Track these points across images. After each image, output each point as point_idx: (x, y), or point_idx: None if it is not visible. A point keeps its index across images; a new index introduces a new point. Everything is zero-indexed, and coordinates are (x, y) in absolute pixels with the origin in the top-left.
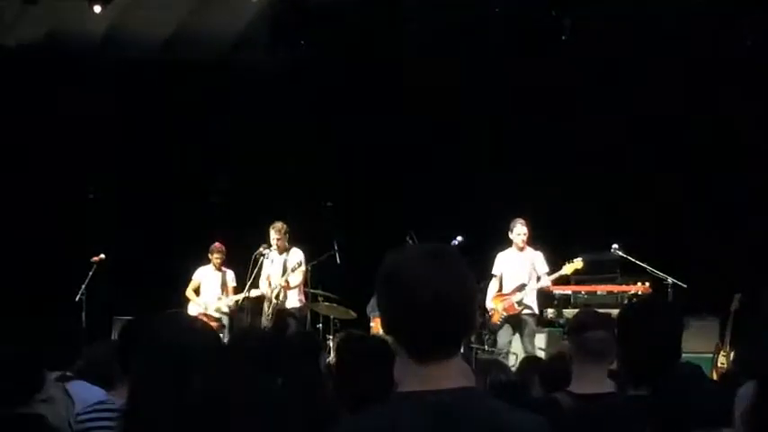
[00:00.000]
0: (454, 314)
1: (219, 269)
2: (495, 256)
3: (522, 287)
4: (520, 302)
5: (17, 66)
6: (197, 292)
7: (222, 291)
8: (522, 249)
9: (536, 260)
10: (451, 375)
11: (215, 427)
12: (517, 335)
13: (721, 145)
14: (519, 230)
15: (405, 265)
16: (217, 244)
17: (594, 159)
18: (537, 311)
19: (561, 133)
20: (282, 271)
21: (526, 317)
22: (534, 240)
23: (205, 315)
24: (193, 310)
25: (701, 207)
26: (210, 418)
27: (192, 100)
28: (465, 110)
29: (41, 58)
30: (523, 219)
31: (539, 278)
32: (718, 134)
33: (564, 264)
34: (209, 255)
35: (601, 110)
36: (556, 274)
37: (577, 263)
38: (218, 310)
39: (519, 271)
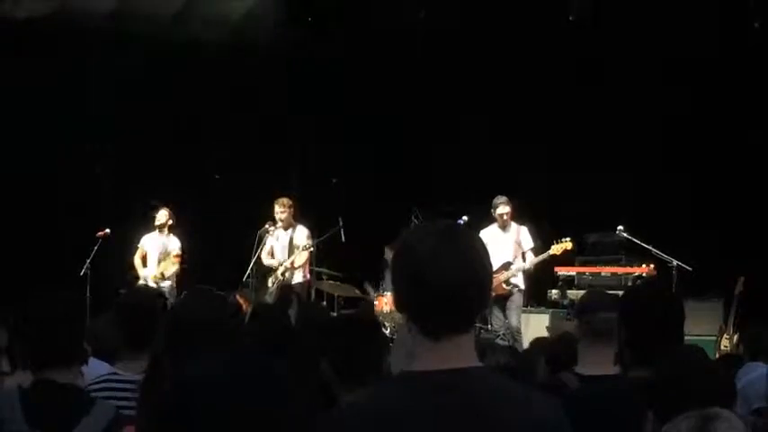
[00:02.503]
0: (466, 291)
1: (163, 233)
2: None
3: (507, 265)
4: (508, 282)
5: (27, 38)
6: (145, 261)
7: (162, 259)
8: (505, 227)
9: (521, 235)
10: (464, 353)
11: (228, 401)
12: (503, 311)
13: (727, 130)
14: (501, 210)
15: (417, 242)
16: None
17: (601, 140)
18: (523, 288)
19: (566, 113)
20: (289, 247)
21: (513, 291)
22: (539, 220)
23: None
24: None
25: (707, 190)
26: (225, 391)
27: (201, 76)
28: (468, 87)
29: (51, 31)
30: (506, 196)
31: (524, 254)
32: (725, 120)
33: (553, 243)
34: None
35: (606, 90)
36: (545, 254)
37: (566, 243)
38: (154, 279)
39: (503, 248)
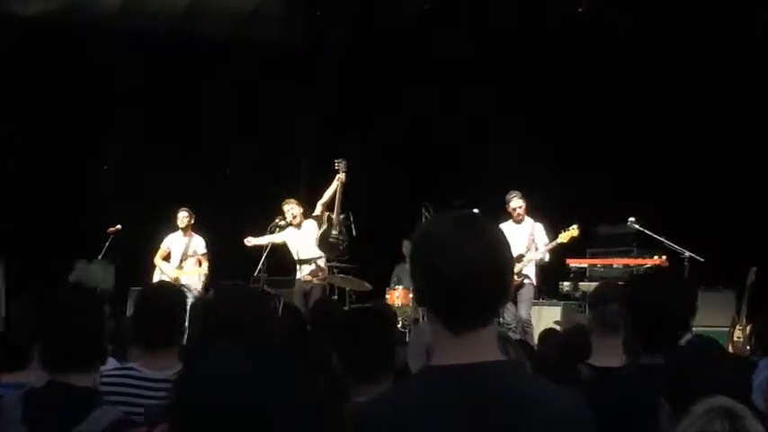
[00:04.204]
0: (488, 283)
1: (186, 234)
2: None
3: (520, 257)
4: (519, 273)
5: (33, 36)
6: (168, 260)
7: (184, 259)
8: (519, 222)
9: (536, 231)
10: (486, 346)
11: (259, 398)
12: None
13: (739, 121)
14: (515, 204)
15: (436, 232)
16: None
17: (612, 131)
18: (535, 282)
19: (577, 104)
20: (306, 243)
21: (525, 283)
22: (550, 214)
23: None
24: (156, 278)
25: (719, 181)
26: (258, 390)
27: (208, 72)
28: (477, 82)
29: (57, 29)
30: (518, 191)
31: (537, 248)
32: (736, 111)
33: (560, 232)
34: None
35: (616, 81)
36: (553, 243)
37: (573, 230)
38: (176, 281)
39: (517, 241)
